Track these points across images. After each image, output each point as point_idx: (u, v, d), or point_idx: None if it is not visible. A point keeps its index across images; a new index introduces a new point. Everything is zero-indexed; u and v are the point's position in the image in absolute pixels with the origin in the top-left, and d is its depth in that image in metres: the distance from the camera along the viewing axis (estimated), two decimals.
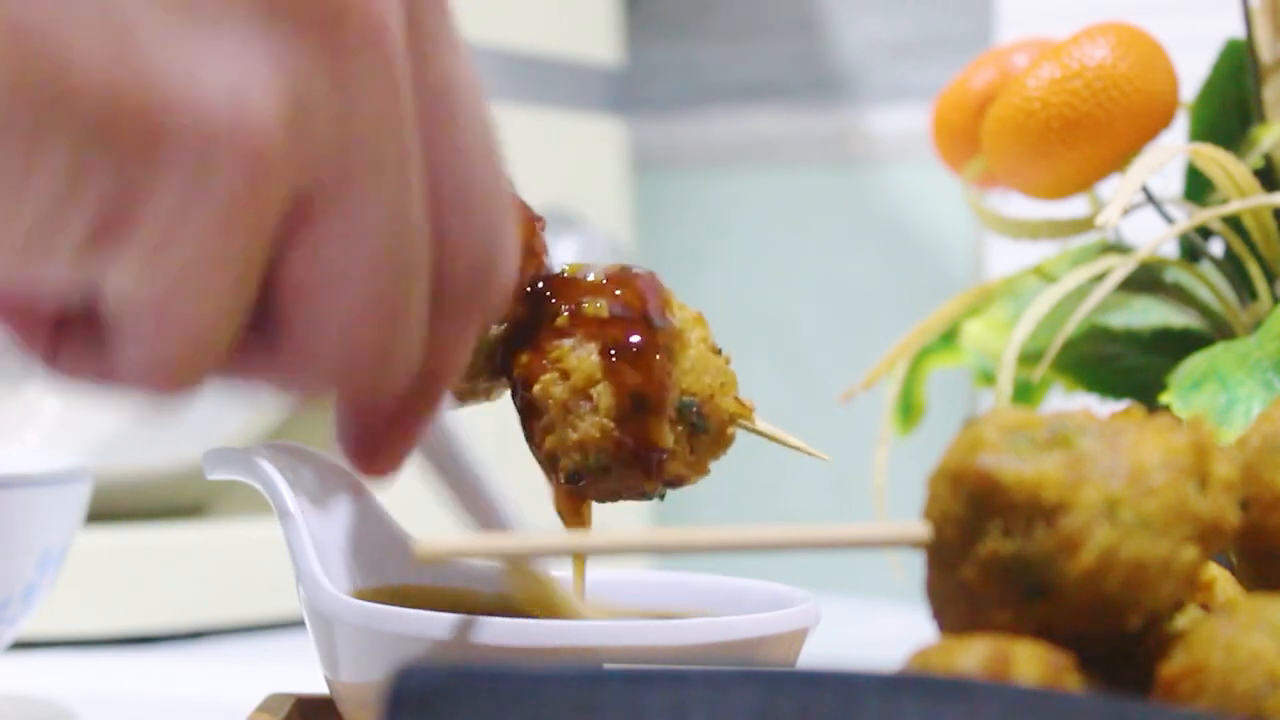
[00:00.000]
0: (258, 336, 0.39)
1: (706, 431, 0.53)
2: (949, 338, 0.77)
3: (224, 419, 0.94)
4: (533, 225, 0.54)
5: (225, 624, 0.90)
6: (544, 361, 0.53)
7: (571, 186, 1.06)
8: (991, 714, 0.34)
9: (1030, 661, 0.38)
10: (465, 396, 0.54)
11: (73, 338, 0.39)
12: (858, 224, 1.12)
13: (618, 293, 0.53)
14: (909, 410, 0.79)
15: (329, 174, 0.36)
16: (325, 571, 0.53)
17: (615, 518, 1.05)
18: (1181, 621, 0.42)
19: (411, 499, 0.95)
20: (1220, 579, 0.46)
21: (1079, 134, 0.66)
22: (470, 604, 0.58)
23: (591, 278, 0.53)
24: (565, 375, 0.52)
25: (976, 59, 0.77)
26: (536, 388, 0.52)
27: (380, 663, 0.50)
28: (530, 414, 0.53)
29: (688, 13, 1.20)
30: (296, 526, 0.54)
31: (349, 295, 0.38)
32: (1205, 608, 0.45)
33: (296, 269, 0.37)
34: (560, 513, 0.54)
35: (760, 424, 0.54)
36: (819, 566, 1.09)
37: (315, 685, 0.55)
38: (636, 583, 0.59)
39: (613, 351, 0.52)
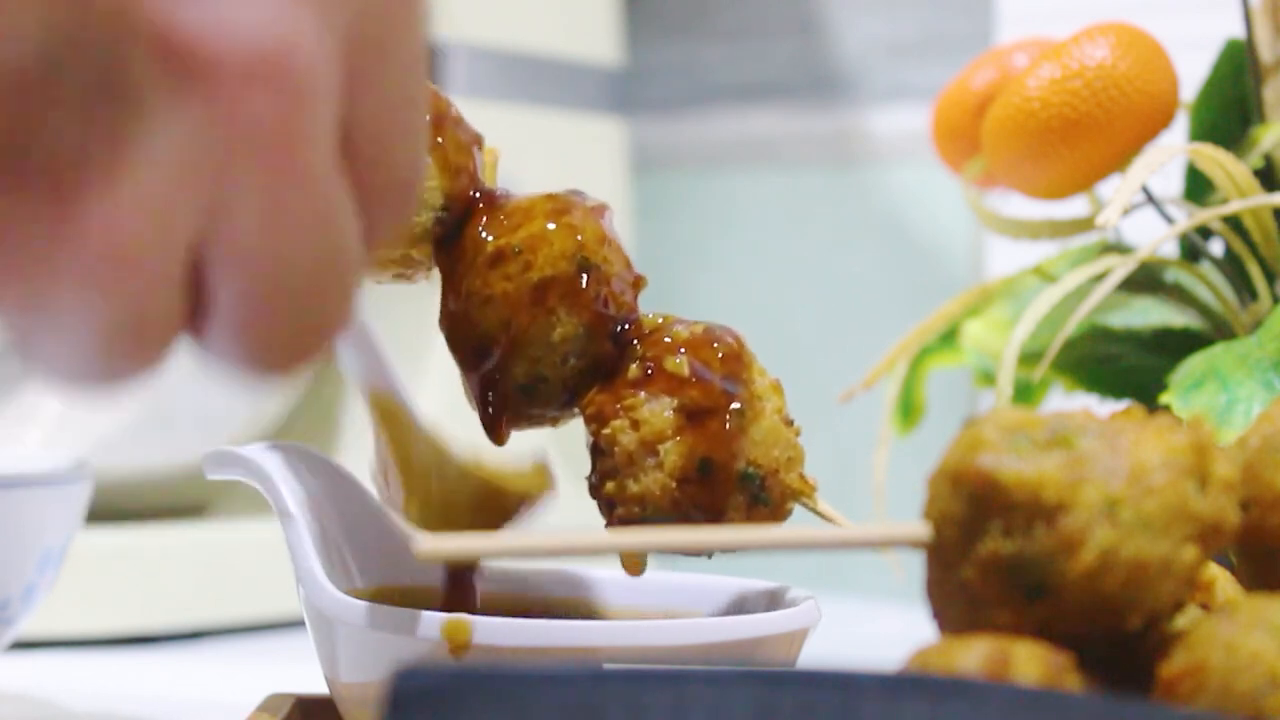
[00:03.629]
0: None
1: (767, 505, 0.52)
2: (949, 338, 0.77)
3: (224, 419, 0.94)
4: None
5: (225, 624, 0.90)
6: (617, 406, 0.52)
7: (571, 186, 1.06)
8: (991, 714, 0.34)
9: (1030, 661, 0.38)
10: (532, 422, 0.54)
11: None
12: (858, 224, 1.12)
13: (701, 353, 0.52)
14: (909, 410, 0.79)
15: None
16: (325, 571, 0.53)
17: None
18: (1181, 621, 0.42)
19: None
20: (1220, 579, 0.46)
21: (1079, 134, 0.66)
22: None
23: (678, 331, 0.53)
24: (636, 425, 0.52)
25: (976, 59, 0.77)
26: (605, 431, 0.52)
27: (380, 663, 0.50)
28: (595, 455, 0.53)
29: (688, 13, 1.20)
30: (296, 526, 0.54)
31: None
32: (1205, 608, 0.45)
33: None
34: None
35: (821, 505, 0.53)
36: (819, 566, 1.09)
37: (315, 685, 0.55)
38: (637, 583, 0.59)
39: (687, 412, 0.51)
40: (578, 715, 0.34)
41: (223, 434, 0.93)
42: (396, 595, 0.57)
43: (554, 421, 0.54)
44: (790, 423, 0.53)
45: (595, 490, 0.53)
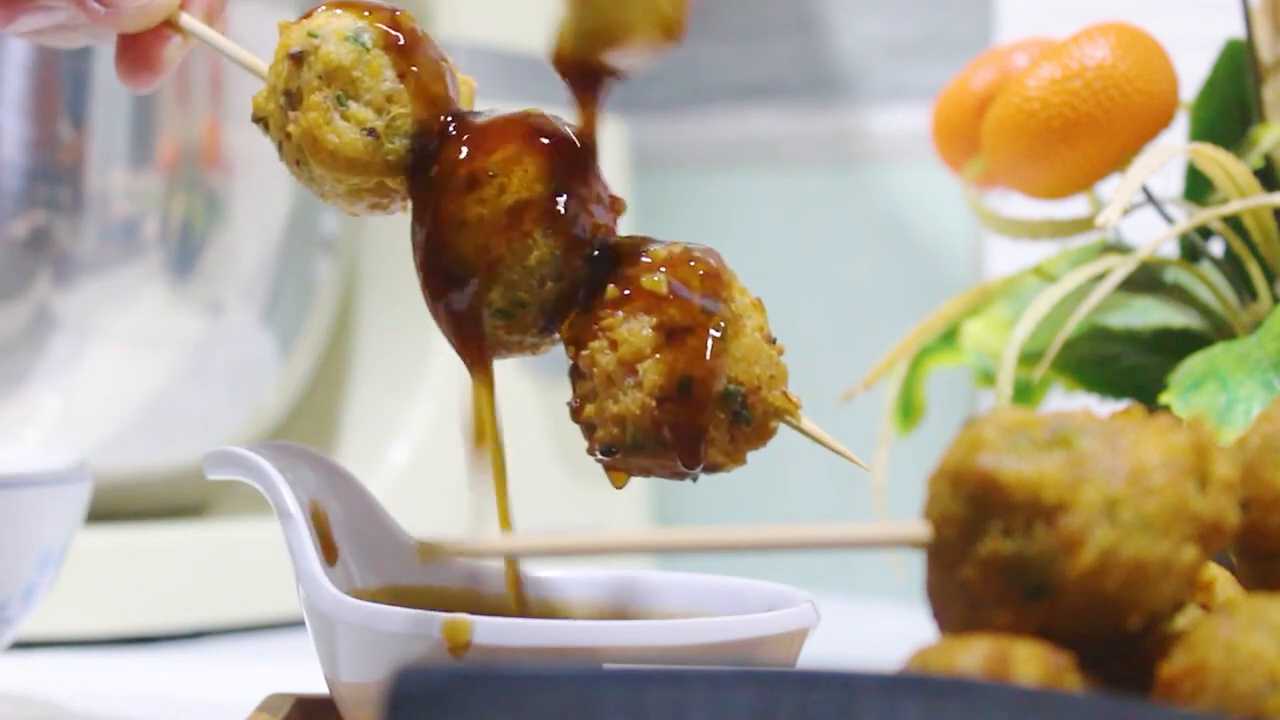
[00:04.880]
0: None
1: (749, 423, 0.51)
2: (949, 338, 0.77)
3: (224, 419, 0.94)
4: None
5: (225, 624, 0.90)
6: (595, 328, 0.51)
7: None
8: (991, 714, 0.34)
9: (1030, 661, 0.38)
10: (511, 349, 0.53)
11: None
12: (858, 224, 1.12)
13: (679, 271, 0.52)
14: (909, 410, 0.79)
15: None
16: (325, 571, 0.53)
17: (615, 518, 1.05)
18: (1181, 621, 0.42)
19: (411, 499, 0.95)
20: (1220, 579, 0.46)
21: (1079, 134, 0.66)
22: (470, 604, 0.58)
23: (656, 250, 0.52)
24: (614, 346, 0.51)
25: (976, 59, 0.77)
26: (584, 353, 0.51)
27: (380, 663, 0.50)
28: (574, 377, 0.52)
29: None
30: (296, 526, 0.54)
31: None
32: (1205, 608, 0.45)
33: None
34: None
35: (805, 423, 0.53)
36: (819, 566, 1.09)
37: (315, 685, 0.55)
38: (636, 583, 0.59)
39: (666, 330, 0.51)
40: (578, 715, 0.34)
41: (223, 434, 0.93)
42: (396, 595, 0.57)
43: (534, 348, 0.53)
44: (773, 340, 0.53)
45: (576, 414, 0.52)
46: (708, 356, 0.51)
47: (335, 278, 0.98)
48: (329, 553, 0.56)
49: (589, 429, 0.52)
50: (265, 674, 0.78)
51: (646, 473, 0.52)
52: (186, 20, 0.57)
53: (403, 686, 0.34)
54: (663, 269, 0.52)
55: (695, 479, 0.52)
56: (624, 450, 0.51)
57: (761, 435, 0.52)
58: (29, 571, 0.66)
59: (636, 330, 0.51)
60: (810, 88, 1.15)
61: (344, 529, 0.57)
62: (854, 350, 1.09)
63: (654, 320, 0.51)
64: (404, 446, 0.98)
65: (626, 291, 0.52)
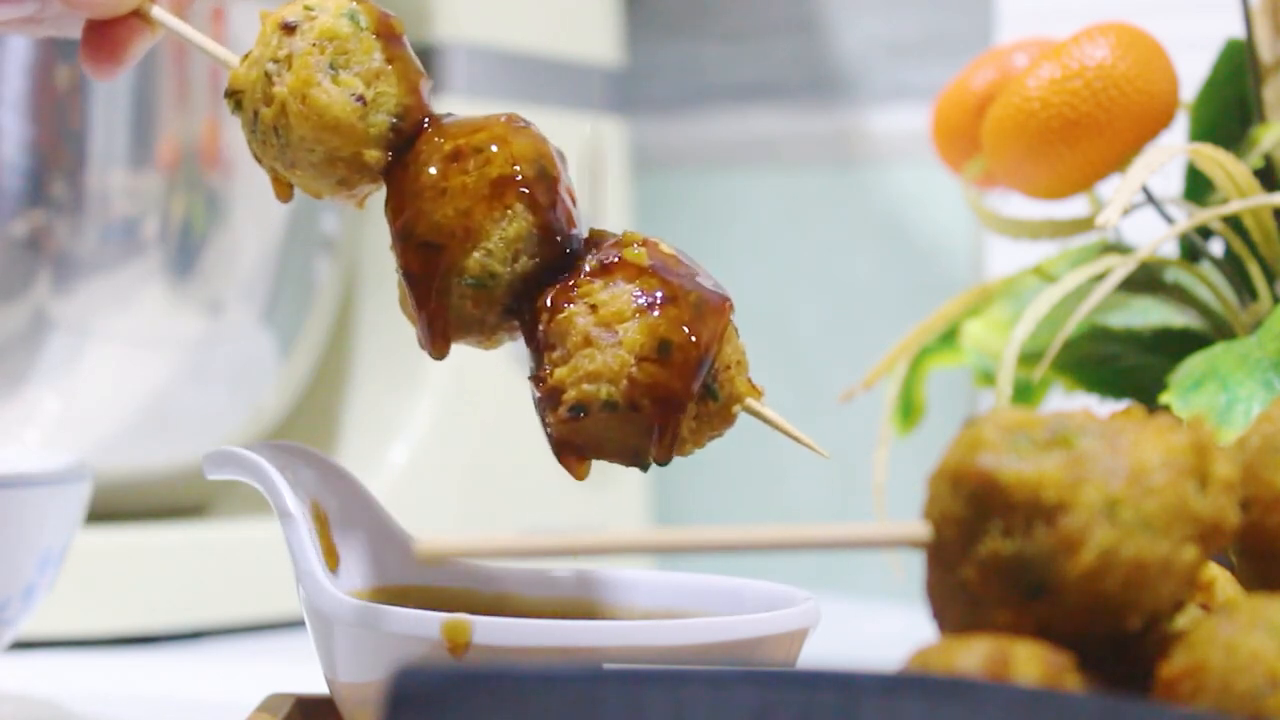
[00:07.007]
0: None
1: (716, 399, 0.52)
2: (949, 338, 0.77)
3: (224, 419, 0.94)
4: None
5: (225, 624, 0.90)
6: (573, 294, 0.52)
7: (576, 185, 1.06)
8: (991, 714, 0.34)
9: (1030, 661, 0.38)
10: (470, 329, 0.53)
11: None
12: (858, 224, 1.12)
13: (656, 253, 0.53)
14: (909, 410, 0.79)
15: None
16: (325, 571, 0.53)
17: (615, 518, 1.05)
18: (1181, 621, 0.42)
19: (411, 499, 0.95)
20: (1220, 579, 0.46)
21: (1079, 134, 0.66)
22: (470, 604, 0.58)
23: (630, 235, 0.53)
24: (594, 309, 0.51)
25: (976, 59, 0.77)
26: (560, 316, 0.52)
27: (380, 663, 0.50)
28: (545, 347, 0.52)
29: (688, 13, 1.20)
30: (296, 526, 0.54)
31: None
32: (1205, 608, 0.45)
33: None
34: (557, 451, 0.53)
35: (768, 411, 0.53)
36: (819, 566, 1.09)
37: (315, 685, 0.55)
38: (636, 583, 0.59)
39: (648, 296, 0.51)
40: (578, 715, 0.34)
41: (223, 434, 0.93)
42: (396, 595, 0.57)
43: (491, 333, 0.54)
44: (737, 331, 0.54)
45: (542, 382, 0.52)
46: (688, 324, 0.51)
47: (335, 278, 0.98)
48: (329, 555, 0.56)
49: (554, 396, 0.52)
50: (265, 674, 0.78)
51: (607, 452, 0.52)
52: (157, 12, 0.57)
53: (402, 686, 0.34)
54: (641, 245, 0.53)
55: (645, 468, 0.52)
56: (593, 410, 0.51)
57: (724, 419, 0.53)
58: (29, 571, 0.66)
59: (619, 295, 0.52)
60: (810, 88, 1.15)
61: (344, 529, 0.57)
62: (854, 350, 1.09)
63: (636, 287, 0.52)
64: (404, 446, 0.98)
65: (607, 262, 0.52)
